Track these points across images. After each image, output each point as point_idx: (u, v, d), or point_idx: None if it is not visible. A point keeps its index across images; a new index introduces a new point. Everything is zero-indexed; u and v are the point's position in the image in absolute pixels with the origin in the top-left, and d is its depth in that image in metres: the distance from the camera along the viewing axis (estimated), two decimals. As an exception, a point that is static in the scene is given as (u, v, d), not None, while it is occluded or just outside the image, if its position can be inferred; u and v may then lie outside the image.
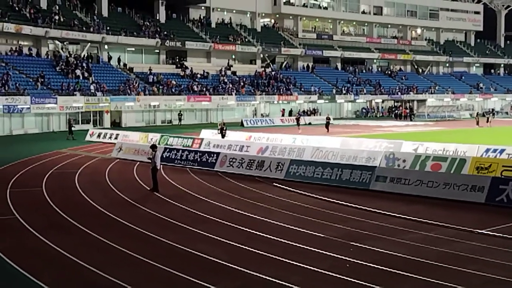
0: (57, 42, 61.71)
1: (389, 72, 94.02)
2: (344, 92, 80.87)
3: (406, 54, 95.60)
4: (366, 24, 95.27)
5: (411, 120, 73.15)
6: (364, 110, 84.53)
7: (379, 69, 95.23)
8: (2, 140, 45.47)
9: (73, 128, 46.04)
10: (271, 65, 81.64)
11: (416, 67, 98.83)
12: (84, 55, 63.13)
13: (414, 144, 30.91)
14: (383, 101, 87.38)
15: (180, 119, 63.81)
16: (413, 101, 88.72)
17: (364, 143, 32.75)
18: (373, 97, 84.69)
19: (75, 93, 55.17)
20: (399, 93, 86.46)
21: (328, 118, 55.93)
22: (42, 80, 54.68)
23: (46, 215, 17.54)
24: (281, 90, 74.68)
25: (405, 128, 58.42)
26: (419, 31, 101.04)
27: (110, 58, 65.88)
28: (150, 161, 22.18)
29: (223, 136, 39.31)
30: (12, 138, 47.56)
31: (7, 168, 27.75)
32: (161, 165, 23.12)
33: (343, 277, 11.47)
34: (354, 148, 30.25)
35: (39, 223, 16.21)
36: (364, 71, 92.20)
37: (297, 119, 58.58)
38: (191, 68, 70.93)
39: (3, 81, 49.90)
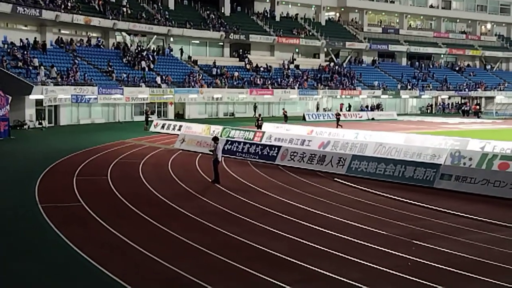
0: (124, 34, 63.03)
1: (457, 68, 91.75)
2: (409, 87, 79.44)
3: (474, 49, 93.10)
4: (433, 18, 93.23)
5: (478, 118, 71.18)
6: (429, 107, 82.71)
7: (446, 64, 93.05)
8: (70, 129, 46.82)
9: (149, 119, 47.33)
10: (335, 59, 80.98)
11: (485, 63, 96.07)
12: (150, 47, 64.23)
13: (481, 142, 30.04)
14: (449, 97, 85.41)
15: (255, 111, 64.54)
16: (481, 98, 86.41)
17: (429, 140, 32.09)
18: (439, 93, 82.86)
19: (140, 84, 56.22)
20: (466, 89, 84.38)
21: (338, 114, 54.15)
22: (109, 71, 55.94)
23: (111, 203, 17.94)
24: (344, 84, 73.99)
25: (472, 125, 56.89)
26: (489, 26, 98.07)
27: (171, 49, 66.76)
28: (212, 153, 22.36)
29: (259, 127, 41.18)
30: (79, 127, 48.88)
31: (74, 157, 28.51)
32: (223, 157, 23.26)
33: (404, 275, 11.27)
34: (418, 145, 29.67)
35: (105, 211, 16.58)
36: (430, 66, 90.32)
37: (337, 117, 52.95)
38: (254, 61, 71.09)
39: (72, 72, 51.29)
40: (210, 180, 21.96)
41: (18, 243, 13.38)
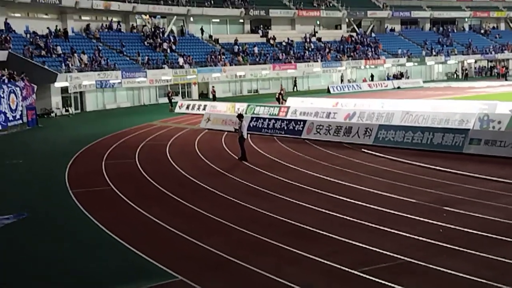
0: (144, 16, 63.00)
1: (482, 31, 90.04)
2: (434, 53, 78.28)
3: (499, 11, 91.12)
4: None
5: (506, 80, 69.90)
6: (465, 70, 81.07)
7: (471, 28, 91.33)
8: (96, 114, 47.21)
9: (173, 100, 47.59)
10: (357, 29, 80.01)
11: (510, 24, 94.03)
12: (170, 29, 64.16)
13: (510, 104, 29.52)
14: (475, 61, 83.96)
15: (295, 86, 65.42)
16: (508, 60, 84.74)
17: (456, 105, 31.65)
18: (465, 58, 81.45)
19: (163, 66, 56.29)
20: (493, 52, 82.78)
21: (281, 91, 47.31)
22: (132, 55, 56.10)
23: (139, 185, 18.08)
24: (368, 54, 73.19)
25: (500, 88, 55.92)
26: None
27: (187, 29, 66.63)
28: (237, 131, 22.34)
29: (279, 102, 41.56)
30: (105, 112, 49.26)
31: (102, 141, 28.77)
32: (249, 134, 23.24)
33: (436, 242, 11.17)
34: (445, 111, 29.27)
35: (134, 193, 16.71)
36: (455, 31, 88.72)
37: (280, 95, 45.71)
38: (276, 36, 70.63)
39: (95, 57, 51.55)
40: (237, 158, 21.99)
41: (50, 227, 13.59)
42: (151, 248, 11.51)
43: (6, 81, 36.93)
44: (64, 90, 47.56)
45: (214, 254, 11.06)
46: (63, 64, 47.89)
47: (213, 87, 56.63)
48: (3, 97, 33.92)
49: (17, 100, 35.97)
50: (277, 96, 44.56)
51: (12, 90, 35.45)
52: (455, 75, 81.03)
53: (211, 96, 55.41)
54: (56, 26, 53.86)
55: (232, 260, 10.64)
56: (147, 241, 12.10)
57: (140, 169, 20.85)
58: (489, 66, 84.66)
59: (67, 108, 48.04)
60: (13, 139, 32.31)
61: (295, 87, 66.11)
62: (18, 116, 36.16)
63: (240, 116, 22.72)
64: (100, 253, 11.55)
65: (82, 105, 50.70)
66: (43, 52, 48.61)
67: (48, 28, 52.12)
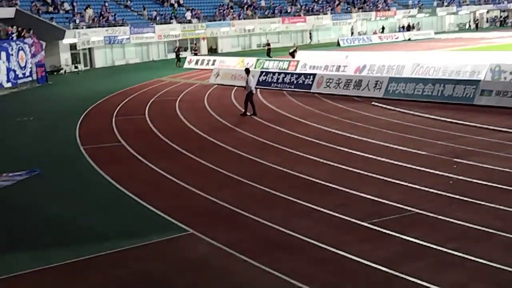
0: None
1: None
2: (445, 4, 76.99)
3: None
4: None
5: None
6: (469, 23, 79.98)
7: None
8: (106, 71, 47.14)
9: (180, 56, 47.29)
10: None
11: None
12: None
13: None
14: (488, 11, 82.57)
15: (311, 38, 66.01)
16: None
17: (467, 57, 31.29)
18: (477, 8, 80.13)
19: (171, 21, 55.79)
20: (505, 1, 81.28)
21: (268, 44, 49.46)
22: (139, 10, 55.57)
23: (150, 141, 18.14)
24: (379, 6, 72.12)
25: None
26: None
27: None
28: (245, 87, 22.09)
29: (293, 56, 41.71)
30: (114, 68, 49.16)
31: (111, 98, 28.79)
32: (258, 89, 23.10)
33: (446, 193, 11.20)
34: (456, 62, 28.95)
35: (145, 149, 16.77)
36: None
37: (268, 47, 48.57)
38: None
39: (102, 13, 51.14)
40: (249, 114, 21.61)
41: (62, 184, 13.69)
42: (162, 202, 11.61)
43: (14, 38, 36.80)
44: (73, 46, 47.41)
45: (224, 207, 11.15)
46: (70, 21, 47.58)
47: (267, 40, 54.01)
48: (12, 55, 33.86)
49: (26, 57, 35.89)
50: (291, 51, 44.17)
51: (20, 47, 35.35)
52: (467, 25, 79.88)
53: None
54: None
55: (242, 213, 10.73)
56: (158, 196, 12.20)
57: (150, 125, 20.89)
58: (502, 16, 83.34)
59: (76, 65, 47.97)
60: (23, 96, 32.38)
61: (310, 40, 65.85)
62: (27, 73, 36.15)
63: (247, 71, 22.56)
64: (111, 208, 11.68)
65: (91, 62, 50.60)
66: (51, 9, 48.26)
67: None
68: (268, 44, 50.35)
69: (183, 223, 10.28)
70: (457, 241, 8.94)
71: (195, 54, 48.74)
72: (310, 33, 66.56)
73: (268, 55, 46.32)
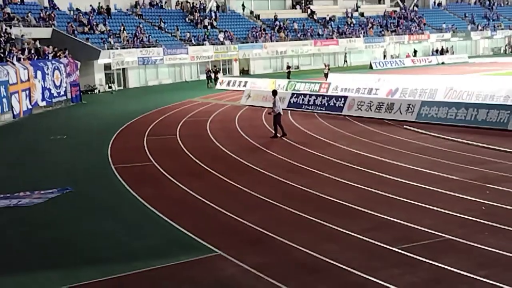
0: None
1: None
2: (480, 28, 76.40)
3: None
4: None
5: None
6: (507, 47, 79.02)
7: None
8: (139, 91, 47.73)
9: (213, 77, 48.18)
10: (401, 4, 78.51)
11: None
12: (212, 5, 64.05)
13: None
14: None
15: (345, 61, 66.09)
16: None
17: (502, 81, 30.91)
18: (512, 32, 79.32)
19: (204, 42, 56.35)
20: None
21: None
22: (173, 31, 56.30)
23: (180, 161, 18.25)
24: (412, 29, 71.87)
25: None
26: None
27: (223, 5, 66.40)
28: (270, 113, 22.04)
29: (326, 77, 42.38)
30: (147, 88, 49.74)
31: (143, 118, 29.10)
32: (288, 111, 23.08)
33: (478, 220, 11.01)
34: (490, 87, 28.62)
35: (175, 169, 16.88)
36: (502, 5, 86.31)
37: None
38: (317, 11, 69.84)
39: (137, 34, 51.93)
40: (273, 135, 21.59)
41: (94, 202, 13.84)
42: (191, 223, 11.64)
43: (50, 57, 37.54)
44: (107, 66, 48.17)
45: (253, 229, 11.12)
46: (105, 41, 48.40)
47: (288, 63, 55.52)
48: (48, 74, 34.52)
49: (61, 77, 36.57)
50: (326, 72, 44.86)
51: (56, 67, 36.04)
52: (502, 50, 78.97)
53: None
54: (99, 3, 54.35)
55: (271, 235, 10.69)
56: (188, 216, 12.24)
57: (181, 145, 21.04)
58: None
59: (110, 84, 48.71)
60: (57, 115, 32.94)
61: (345, 62, 65.87)
62: (62, 93, 36.80)
63: (274, 93, 22.56)
64: (141, 228, 11.73)
65: (124, 82, 51.32)
66: (86, 29, 49.19)
67: (91, 5, 52.65)
68: (288, 67, 51.10)
69: (212, 244, 10.28)
70: (489, 268, 8.76)
71: (216, 78, 48.61)
72: (345, 56, 66.40)
73: (288, 77, 46.45)
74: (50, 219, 12.57)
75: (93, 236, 11.28)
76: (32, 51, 36.75)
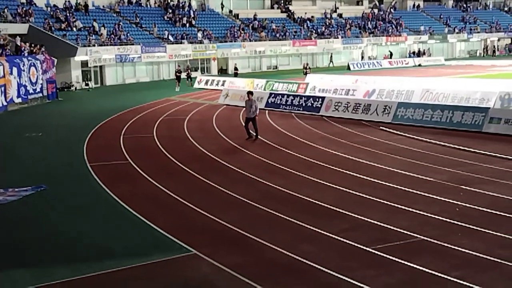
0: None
1: (506, 8, 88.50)
2: (456, 31, 77.22)
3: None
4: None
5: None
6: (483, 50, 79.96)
7: (495, 5, 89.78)
8: (116, 88, 47.39)
9: (191, 76, 48.24)
10: (379, 6, 79.04)
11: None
12: (190, 3, 63.85)
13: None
14: (499, 39, 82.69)
15: (331, 61, 66.44)
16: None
17: (477, 84, 31.26)
18: (488, 35, 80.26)
19: (182, 41, 56.16)
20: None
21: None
22: (151, 29, 56.01)
23: (157, 160, 18.15)
24: (389, 31, 72.38)
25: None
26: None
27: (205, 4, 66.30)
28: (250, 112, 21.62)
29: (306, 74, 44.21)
30: (125, 86, 49.42)
31: (120, 116, 28.90)
32: (266, 111, 23.02)
33: (452, 221, 11.11)
34: (466, 89, 28.92)
35: (151, 168, 16.78)
36: (478, 8, 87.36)
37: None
38: (296, 11, 70.01)
39: (115, 31, 51.58)
40: (253, 138, 21.47)
41: (68, 201, 13.71)
42: (166, 222, 11.59)
43: (26, 54, 37.11)
44: (84, 64, 47.76)
45: (229, 229, 11.10)
46: (82, 38, 47.98)
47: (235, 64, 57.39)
48: (24, 70, 34.11)
49: (37, 73, 36.16)
50: (304, 71, 47.78)
51: (32, 63, 35.63)
52: (478, 53, 79.89)
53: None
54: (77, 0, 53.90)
55: (247, 235, 10.67)
56: (163, 215, 12.18)
57: (158, 143, 20.93)
58: (504, 45, 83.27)
59: (87, 82, 48.31)
60: (33, 112, 32.58)
61: (331, 62, 66.27)
62: (38, 89, 36.39)
63: (249, 93, 22.34)
64: (115, 226, 11.65)
65: (102, 79, 50.94)
66: (63, 26, 48.73)
67: (68, 1, 52.16)
68: (236, 69, 54.34)
69: (187, 243, 10.24)
70: (462, 269, 8.85)
71: (188, 77, 48.04)
72: (331, 56, 66.78)
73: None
74: (24, 217, 12.42)
75: (67, 235, 11.17)
76: (8, 47, 36.26)
